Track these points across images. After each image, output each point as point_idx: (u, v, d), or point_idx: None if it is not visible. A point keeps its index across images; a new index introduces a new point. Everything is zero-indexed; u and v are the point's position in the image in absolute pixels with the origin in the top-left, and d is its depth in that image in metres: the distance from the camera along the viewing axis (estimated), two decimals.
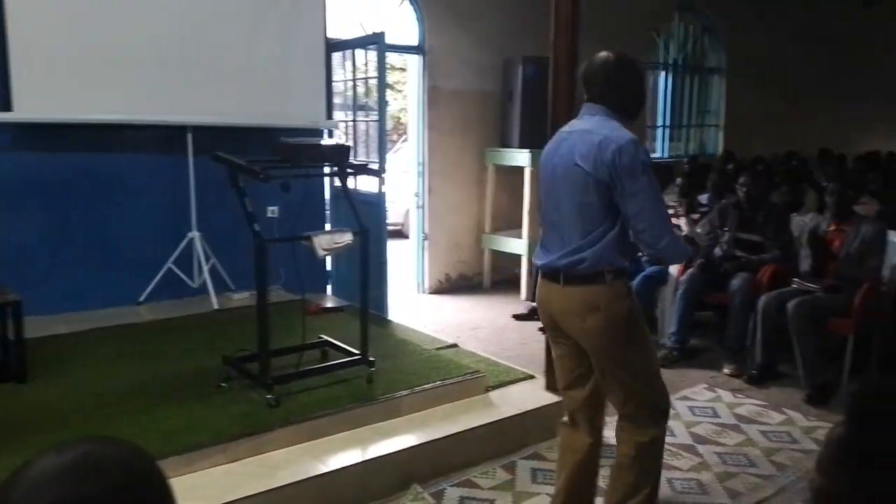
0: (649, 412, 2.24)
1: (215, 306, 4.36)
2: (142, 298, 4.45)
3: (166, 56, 4.21)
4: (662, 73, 8.12)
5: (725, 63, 8.44)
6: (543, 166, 2.27)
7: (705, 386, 3.98)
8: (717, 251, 4.48)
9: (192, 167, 4.45)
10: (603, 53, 2.18)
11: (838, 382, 3.83)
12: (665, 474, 2.93)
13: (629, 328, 2.16)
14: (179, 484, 2.36)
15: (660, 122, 8.23)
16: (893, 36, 10.31)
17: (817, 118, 9.63)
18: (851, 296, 3.82)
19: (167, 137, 4.51)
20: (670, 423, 3.45)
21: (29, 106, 3.90)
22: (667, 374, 4.08)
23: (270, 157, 3.03)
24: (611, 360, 2.18)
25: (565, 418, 2.42)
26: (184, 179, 4.47)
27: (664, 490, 2.82)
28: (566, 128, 2.26)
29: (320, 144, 3.09)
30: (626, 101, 2.18)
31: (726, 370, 4.17)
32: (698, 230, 4.66)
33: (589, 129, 2.12)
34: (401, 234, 8.20)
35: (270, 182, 2.82)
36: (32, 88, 3.90)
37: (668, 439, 3.24)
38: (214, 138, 4.25)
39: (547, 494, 2.77)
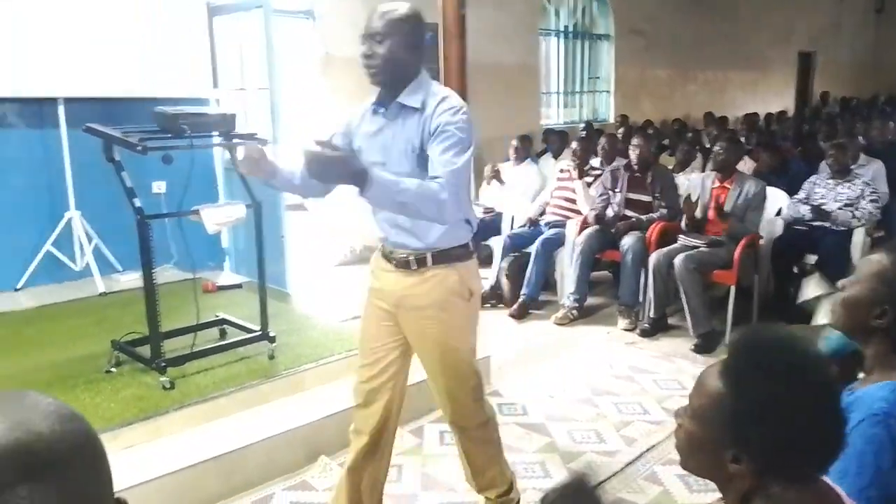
0: None
1: (101, 289, 4.12)
2: (20, 285, 4.13)
3: (32, 27, 3.89)
4: (554, 40, 8.26)
5: (613, 30, 8.68)
6: None
7: (602, 341, 4.16)
8: (610, 212, 4.65)
9: (67, 142, 4.14)
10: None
11: (723, 331, 4.09)
12: (565, 426, 3.07)
13: None
14: None
15: (553, 89, 8.39)
16: (767, 7, 10.96)
17: (702, 83, 10.14)
18: (733, 249, 4.08)
19: (37, 111, 4.17)
20: (571, 378, 3.62)
21: None
22: (567, 332, 4.32)
23: (150, 128, 2.85)
24: None
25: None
26: (58, 155, 4.15)
27: (565, 441, 2.94)
28: None
29: (202, 113, 2.92)
30: None
31: (621, 325, 4.36)
32: (591, 193, 4.82)
33: None
34: (303, 206, 7.96)
35: (150, 154, 2.65)
36: None
37: (568, 393, 3.41)
38: (92, 111, 3.95)
39: (453, 455, 2.81)
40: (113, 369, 2.93)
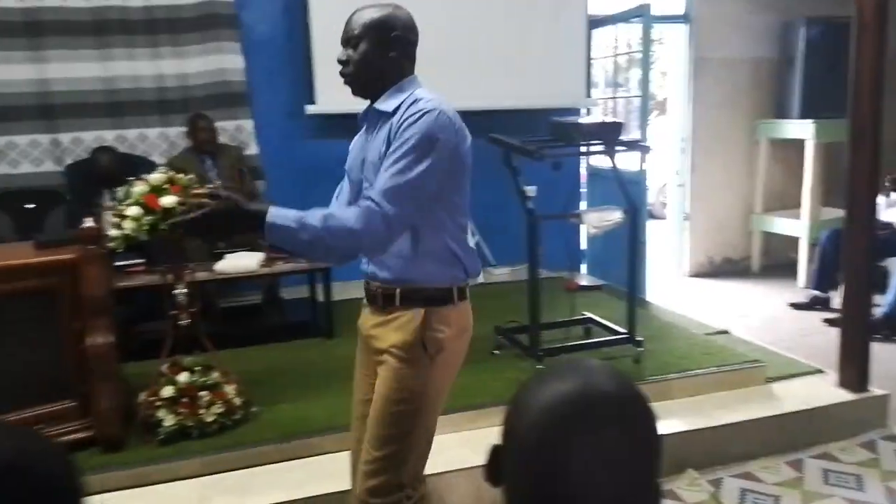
0: None
1: (480, 280, 4.60)
2: None
3: (447, 49, 4.52)
4: None
5: None
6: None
7: None
8: None
9: None
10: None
11: None
12: None
13: None
14: (465, 437, 2.56)
15: None
16: None
17: None
18: None
19: None
20: None
21: (328, 100, 4.47)
22: None
23: (542, 137, 3.11)
24: None
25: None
26: None
27: None
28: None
29: (595, 122, 3.09)
30: None
31: None
32: None
33: None
34: (651, 214, 7.85)
35: (543, 161, 2.89)
36: (331, 84, 4.43)
37: None
38: (480, 121, 4.46)
39: (841, 498, 2.51)
40: (496, 352, 3.27)
